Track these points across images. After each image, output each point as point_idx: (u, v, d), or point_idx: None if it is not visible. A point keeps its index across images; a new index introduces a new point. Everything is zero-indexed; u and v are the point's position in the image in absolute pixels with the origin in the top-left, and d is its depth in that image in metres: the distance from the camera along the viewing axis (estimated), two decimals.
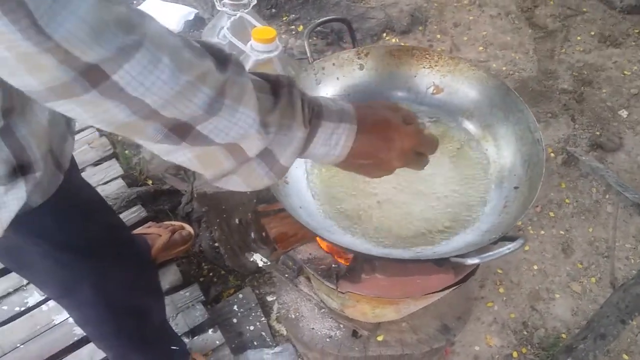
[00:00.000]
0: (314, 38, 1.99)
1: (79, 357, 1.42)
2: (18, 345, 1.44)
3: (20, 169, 0.68)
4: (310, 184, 0.88)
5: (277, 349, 1.47)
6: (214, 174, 0.56)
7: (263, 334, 1.52)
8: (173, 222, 1.63)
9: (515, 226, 0.89)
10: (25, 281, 1.55)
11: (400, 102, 0.99)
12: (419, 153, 0.68)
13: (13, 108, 0.64)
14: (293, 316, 1.09)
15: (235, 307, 1.55)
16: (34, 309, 1.50)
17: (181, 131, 0.49)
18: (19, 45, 0.38)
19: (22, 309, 1.51)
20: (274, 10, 2.05)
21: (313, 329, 1.08)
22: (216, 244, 1.67)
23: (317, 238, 0.92)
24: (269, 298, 1.61)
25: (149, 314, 1.16)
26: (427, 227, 0.83)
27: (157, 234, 1.56)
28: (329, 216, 0.85)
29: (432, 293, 0.86)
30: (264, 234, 1.62)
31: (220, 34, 1.40)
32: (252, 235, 1.60)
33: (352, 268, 0.85)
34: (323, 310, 1.09)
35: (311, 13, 1.98)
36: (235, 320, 1.53)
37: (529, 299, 1.63)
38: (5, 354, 1.42)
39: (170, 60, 0.44)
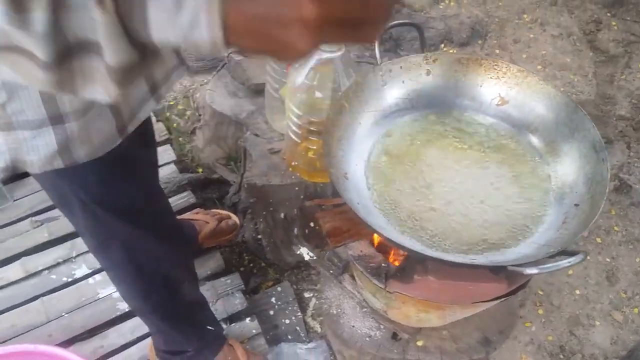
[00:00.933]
0: (371, 44, 2.00)
1: (120, 331, 1.46)
2: (63, 314, 1.49)
3: (51, 119, 0.69)
4: (368, 181, 0.90)
5: (310, 345, 1.48)
6: None
7: (298, 328, 1.53)
8: (220, 211, 1.67)
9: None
10: (74, 253, 1.60)
11: (463, 110, 1.00)
12: (349, 20, 0.44)
13: None
14: (334, 312, 1.10)
15: (273, 300, 1.57)
16: (80, 281, 1.56)
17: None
18: None
19: (69, 279, 1.56)
20: None
21: (353, 326, 1.09)
22: (259, 236, 1.70)
23: (371, 236, 0.93)
24: (306, 294, 1.62)
25: (178, 287, 1.18)
26: (482, 237, 0.83)
27: (204, 220, 1.60)
28: (384, 215, 0.86)
29: (481, 302, 0.86)
30: (306, 230, 1.64)
31: None
32: (295, 231, 1.62)
33: (403, 268, 0.86)
34: (365, 309, 1.10)
35: None
36: (271, 313, 1.55)
37: (568, 324, 1.60)
38: (50, 321, 1.48)
39: None
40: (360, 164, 0.91)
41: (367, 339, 1.08)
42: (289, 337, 1.52)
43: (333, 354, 1.45)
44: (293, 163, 1.45)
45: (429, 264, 0.80)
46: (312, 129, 1.36)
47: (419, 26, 1.03)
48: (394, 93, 0.98)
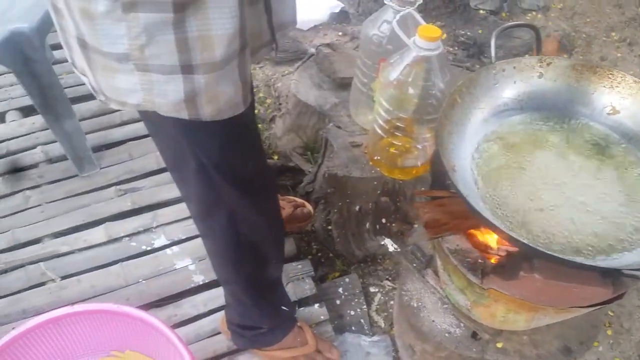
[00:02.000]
0: (454, 48, 2.01)
1: (194, 302, 1.51)
2: (140, 280, 1.56)
3: (182, 67, 0.73)
4: (475, 176, 0.91)
5: (374, 338, 1.50)
6: None
7: (362, 321, 1.56)
8: (296, 198, 1.70)
9: None
10: (154, 224, 1.67)
11: (574, 116, 1.00)
12: None
13: (186, 3, 0.69)
14: (415, 305, 1.12)
15: (340, 290, 1.60)
16: (158, 250, 1.62)
17: None
18: None
19: (148, 248, 1.63)
20: (421, 14, 2.09)
21: (433, 321, 1.10)
22: (329, 227, 1.73)
23: (468, 231, 0.95)
24: (372, 289, 1.64)
25: (268, 264, 1.22)
26: (591, 243, 0.83)
27: (280, 206, 1.64)
28: (490, 210, 0.87)
29: (578, 307, 0.86)
30: (377, 226, 1.66)
31: (382, 27, 1.45)
32: (367, 225, 1.64)
33: (503, 265, 0.87)
34: (446, 306, 1.11)
35: (457, 23, 2.01)
36: (338, 302, 1.57)
37: (637, 348, 1.56)
38: (128, 286, 1.55)
39: None
40: (468, 158, 0.93)
41: (447, 334, 1.09)
42: (353, 328, 1.54)
43: (396, 350, 1.46)
44: (375, 157, 1.47)
45: (535, 262, 0.81)
46: (399, 124, 1.38)
47: (536, 29, 1.04)
48: (505, 93, 0.99)
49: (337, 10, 2.24)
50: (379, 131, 1.42)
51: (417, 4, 1.44)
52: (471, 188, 0.89)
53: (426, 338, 1.10)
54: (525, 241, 0.77)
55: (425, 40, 1.29)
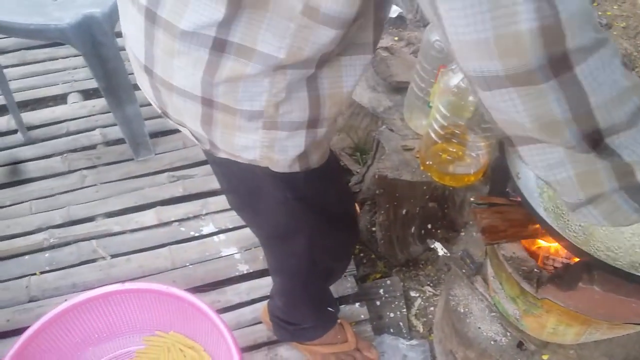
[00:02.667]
0: None
1: (237, 290, 1.55)
2: (187, 264, 1.60)
3: (309, 122, 0.74)
4: (539, 185, 0.91)
5: (413, 342, 1.50)
6: (583, 196, 0.54)
7: (401, 324, 1.56)
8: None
9: None
10: (204, 211, 1.71)
11: None
12: None
13: (326, 61, 0.69)
14: (462, 310, 1.12)
15: (381, 291, 1.61)
16: (206, 237, 1.66)
17: (592, 141, 0.48)
18: (517, 20, 0.40)
19: (196, 234, 1.67)
20: None
21: (479, 328, 1.10)
22: (373, 229, 1.74)
23: (525, 240, 0.95)
24: (412, 293, 1.65)
25: (332, 277, 1.24)
26: None
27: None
28: (553, 220, 0.87)
29: (634, 324, 0.85)
30: (422, 231, 1.66)
31: None
32: (413, 229, 1.65)
33: (560, 275, 0.87)
34: (493, 314, 1.11)
35: None
36: (378, 303, 1.58)
37: None
38: (175, 269, 1.59)
39: (620, 63, 0.46)
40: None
41: (492, 342, 1.08)
42: (391, 330, 1.55)
43: (433, 356, 1.47)
44: (427, 162, 1.48)
45: (596, 274, 0.81)
46: (454, 131, 1.38)
47: None
48: None
49: (394, 16, 2.26)
50: (434, 136, 1.42)
51: None
52: (534, 197, 0.89)
53: (471, 344, 1.11)
54: (589, 252, 0.77)
55: None
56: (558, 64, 0.43)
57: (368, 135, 1.78)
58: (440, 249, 1.46)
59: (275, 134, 0.74)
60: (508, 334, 1.09)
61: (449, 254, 1.42)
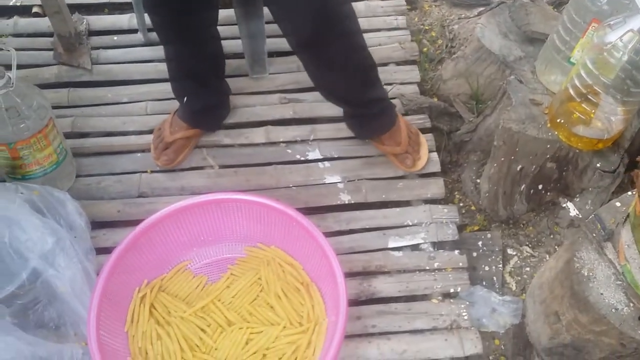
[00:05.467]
0: None
1: (338, 218, 1.56)
2: (291, 185, 1.62)
3: None
4: None
5: (506, 298, 1.49)
6: None
7: (494, 278, 1.54)
8: None
9: None
10: (312, 137, 1.72)
11: None
12: None
13: None
14: (585, 274, 1.09)
15: (479, 243, 1.59)
16: (311, 162, 1.67)
17: None
18: None
19: (302, 158, 1.68)
20: None
21: (602, 294, 1.07)
22: (478, 180, 1.70)
23: None
24: (509, 251, 1.62)
25: None
26: None
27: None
28: None
29: None
30: (532, 190, 1.61)
31: None
32: (522, 187, 1.60)
33: None
34: (619, 282, 1.07)
35: None
36: (474, 255, 1.57)
37: None
38: (279, 188, 1.62)
39: None
40: None
41: (613, 310, 1.05)
42: (484, 283, 1.53)
43: (523, 316, 1.45)
44: (558, 120, 1.41)
45: None
46: (597, 89, 1.31)
47: None
48: None
49: None
50: (572, 93, 1.35)
51: None
52: None
53: (588, 309, 1.08)
54: None
55: None
56: None
57: (490, 84, 1.71)
58: (572, 209, 1.41)
59: None
60: (631, 304, 1.06)
61: (580, 216, 1.38)
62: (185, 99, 1.60)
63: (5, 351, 1.26)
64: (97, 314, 1.23)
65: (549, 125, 1.45)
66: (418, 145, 1.63)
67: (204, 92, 1.60)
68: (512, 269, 1.58)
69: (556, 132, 1.43)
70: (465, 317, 1.39)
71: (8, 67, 1.37)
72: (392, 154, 1.61)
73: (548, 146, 1.45)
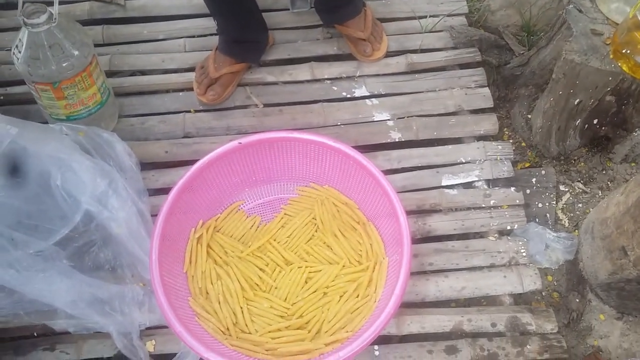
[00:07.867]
0: None
1: (388, 156, 1.53)
2: (339, 123, 1.58)
3: None
4: None
5: (561, 234, 1.47)
6: None
7: (547, 215, 1.53)
8: None
9: None
10: (358, 73, 1.66)
11: None
12: None
13: None
14: None
15: (533, 180, 1.56)
16: (358, 100, 1.63)
17: None
18: None
19: (348, 95, 1.64)
20: None
21: None
22: (529, 116, 1.66)
23: None
24: (562, 187, 1.59)
25: None
26: None
27: None
28: None
29: None
30: (586, 125, 1.57)
31: None
32: (577, 122, 1.55)
33: None
34: None
35: None
36: (528, 191, 1.54)
37: None
38: (327, 126, 1.58)
39: None
40: None
41: None
42: (537, 219, 1.52)
43: (579, 251, 1.44)
44: (624, 50, 1.35)
45: None
46: None
47: None
48: None
49: None
50: None
51: None
52: None
53: None
54: None
55: None
56: None
57: (543, 14, 1.64)
58: None
59: None
60: None
61: None
62: (226, 31, 1.56)
63: (67, 293, 1.27)
64: (158, 255, 1.22)
65: (611, 56, 1.39)
66: (380, 38, 1.67)
67: (245, 23, 1.54)
68: (565, 206, 1.56)
69: (619, 64, 1.37)
70: (524, 254, 1.38)
71: (49, 3, 1.31)
72: (353, 40, 1.65)
73: (610, 78, 1.39)
